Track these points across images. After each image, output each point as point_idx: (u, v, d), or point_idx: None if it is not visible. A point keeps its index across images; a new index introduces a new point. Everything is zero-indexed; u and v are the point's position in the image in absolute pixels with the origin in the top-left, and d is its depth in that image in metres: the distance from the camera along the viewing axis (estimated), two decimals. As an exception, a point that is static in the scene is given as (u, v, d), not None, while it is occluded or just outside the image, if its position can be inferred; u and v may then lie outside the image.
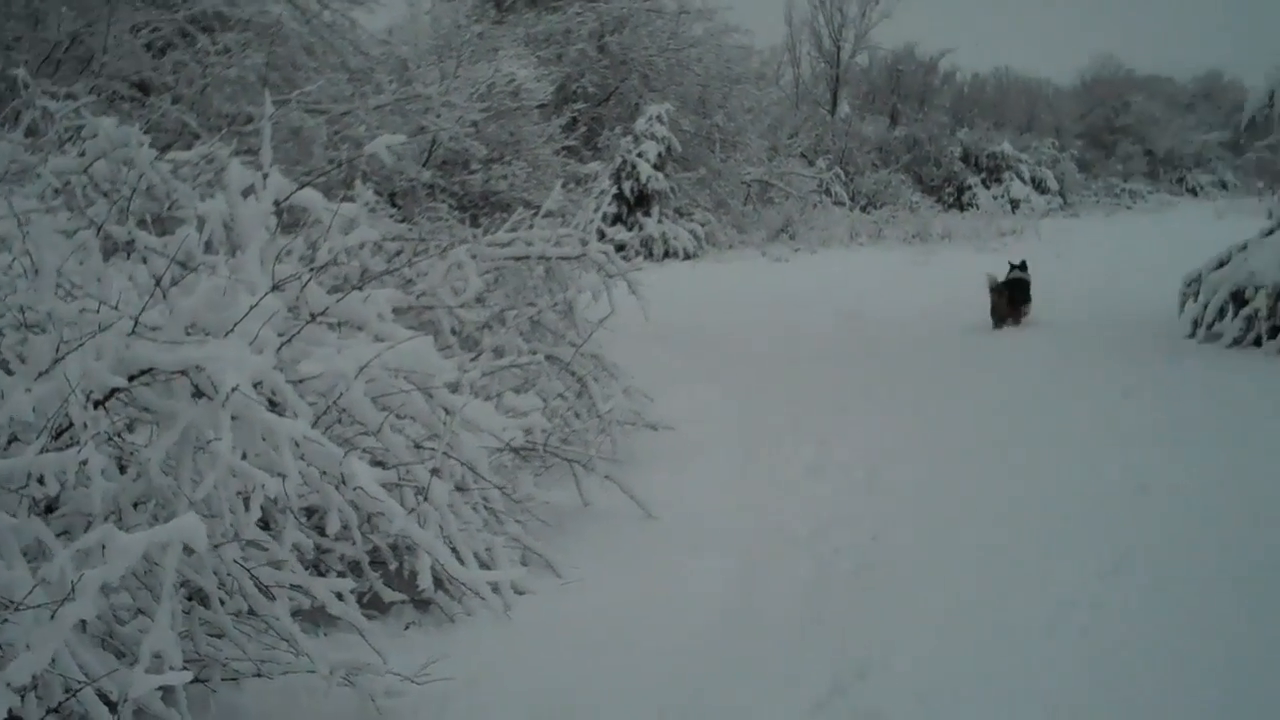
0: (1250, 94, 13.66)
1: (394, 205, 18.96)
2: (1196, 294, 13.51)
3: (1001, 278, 15.32)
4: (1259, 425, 9.00)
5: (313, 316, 4.65)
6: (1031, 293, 15.53)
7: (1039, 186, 53.25)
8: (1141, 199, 60.66)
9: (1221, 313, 12.94)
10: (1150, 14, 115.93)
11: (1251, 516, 6.70)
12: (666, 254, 27.99)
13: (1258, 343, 12.33)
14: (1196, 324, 13.32)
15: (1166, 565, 6.02)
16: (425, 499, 5.00)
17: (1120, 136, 68.73)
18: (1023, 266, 15.77)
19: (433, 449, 5.12)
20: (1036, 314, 15.48)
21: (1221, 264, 13.27)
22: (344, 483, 4.17)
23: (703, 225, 29.74)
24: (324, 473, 4.26)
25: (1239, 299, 12.65)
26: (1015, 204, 49.72)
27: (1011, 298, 15.32)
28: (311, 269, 4.87)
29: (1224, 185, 68.22)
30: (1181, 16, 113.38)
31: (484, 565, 5.52)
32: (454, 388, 5.79)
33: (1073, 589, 5.74)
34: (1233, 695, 4.55)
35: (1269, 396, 9.92)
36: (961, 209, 47.12)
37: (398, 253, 7.45)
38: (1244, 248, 13.06)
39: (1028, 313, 15.46)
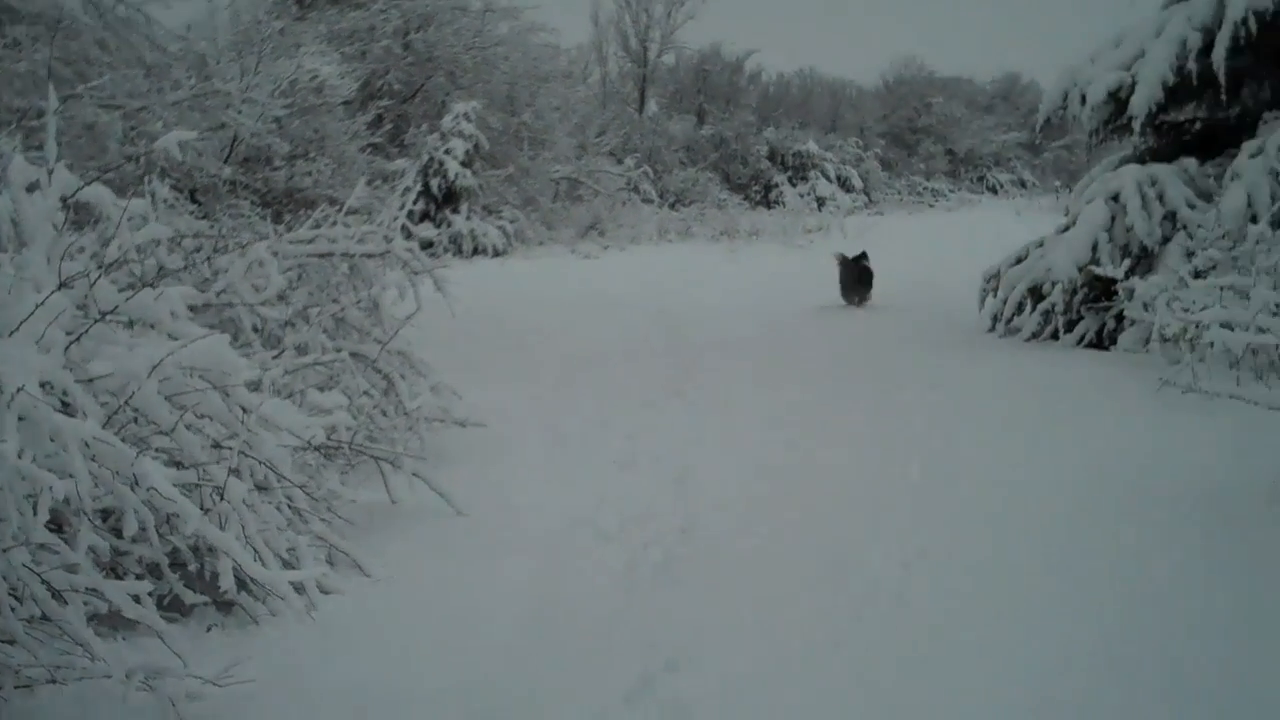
0: (1045, 95, 14.07)
1: (195, 202, 18.62)
2: (996, 290, 13.89)
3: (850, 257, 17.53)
4: (1057, 416, 9.27)
5: (102, 315, 4.54)
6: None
7: (844, 185, 54.27)
8: (943, 197, 62.23)
9: (1020, 308, 13.34)
10: (950, 17, 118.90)
11: (1051, 504, 6.92)
12: (476, 251, 27.83)
13: (1055, 336, 12.72)
14: (996, 319, 13.71)
15: (971, 551, 6.19)
16: (223, 499, 4.91)
17: (922, 136, 70.38)
18: (864, 256, 17.53)
19: (232, 448, 5.03)
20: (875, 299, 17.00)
21: (1020, 260, 13.66)
22: (138, 484, 4.08)
23: (512, 222, 29.65)
24: (116, 474, 4.16)
25: (1037, 294, 13.04)
26: (821, 202, 50.55)
27: (859, 278, 17.24)
28: (101, 266, 4.74)
29: (1023, 184, 70.37)
30: (980, 20, 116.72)
31: (288, 565, 5.44)
32: (255, 386, 5.69)
33: (879, 577, 5.86)
34: (1035, 674, 4.70)
35: (1067, 388, 10.22)
36: (769, 206, 47.75)
37: (196, 250, 7.29)
38: (1041, 244, 13.46)
39: (869, 296, 17.17)
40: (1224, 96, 12.24)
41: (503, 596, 5.72)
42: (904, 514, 6.89)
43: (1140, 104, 12.14)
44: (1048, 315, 12.81)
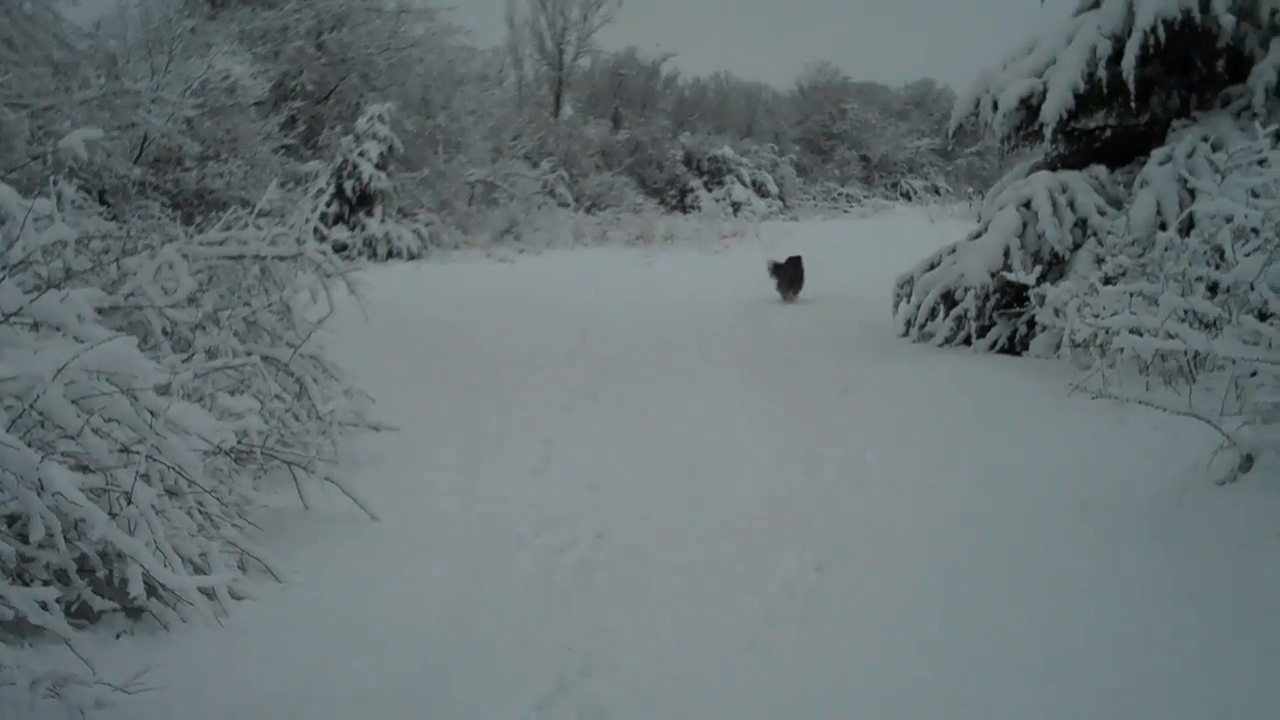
0: (957, 102, 14.15)
1: (103, 203, 18.35)
2: (909, 295, 13.98)
3: (782, 261, 19.67)
4: (969, 421, 9.34)
5: (6, 317, 4.45)
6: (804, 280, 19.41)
7: (760, 190, 54.54)
8: (858, 203, 62.62)
9: (934, 313, 13.41)
10: (864, 23, 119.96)
11: (962, 507, 6.98)
12: (390, 254, 27.65)
13: (968, 342, 12.81)
14: (910, 324, 13.78)
15: (883, 554, 6.22)
16: (131, 504, 4.83)
17: (837, 142, 70.84)
18: (798, 259, 19.51)
19: (140, 453, 4.95)
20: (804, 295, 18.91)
21: (932, 266, 13.75)
22: (44, 489, 4.00)
23: (427, 226, 29.50)
24: (21, 478, 4.08)
25: (950, 300, 13.12)
26: (737, 207, 50.77)
27: (793, 277, 19.23)
28: (5, 268, 4.65)
29: (936, 190, 70.92)
30: (895, 26, 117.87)
31: (199, 571, 5.36)
32: (164, 390, 5.61)
33: (794, 579, 5.89)
34: (944, 674, 4.73)
35: (979, 393, 10.29)
36: (685, 211, 47.95)
37: (104, 251, 7.17)
38: (953, 250, 13.54)
39: (800, 290, 19.14)
40: (1134, 104, 12.40)
41: (418, 602, 5.68)
42: (818, 516, 6.92)
43: (1051, 111, 12.26)
44: (961, 321, 12.91)
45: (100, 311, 6.08)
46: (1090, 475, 7.33)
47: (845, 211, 57.90)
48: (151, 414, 4.85)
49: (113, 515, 4.73)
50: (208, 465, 5.90)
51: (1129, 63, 11.59)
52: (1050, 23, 13.37)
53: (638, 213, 41.33)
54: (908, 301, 13.98)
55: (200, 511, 5.84)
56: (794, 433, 9.19)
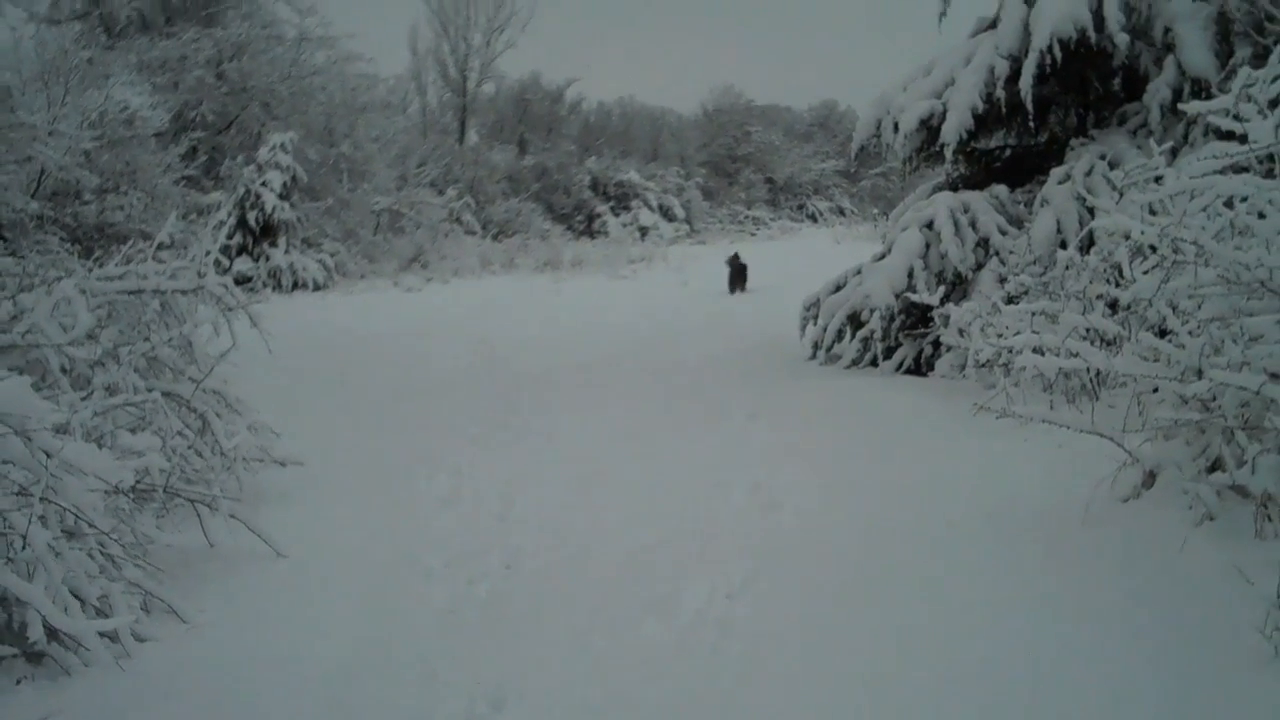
0: (858, 124, 14.23)
1: (1, 239, 18.00)
2: (815, 318, 14.06)
3: (733, 260, 25.88)
4: (876, 443, 9.36)
5: (-105, 358, 4.34)
6: (748, 274, 25.51)
7: (667, 214, 54.86)
8: (764, 226, 63.09)
9: (840, 335, 13.49)
10: (767, 45, 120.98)
11: (869, 530, 6.99)
12: (296, 285, 27.38)
13: (874, 363, 12.90)
14: (817, 346, 13.85)
15: (791, 579, 6.22)
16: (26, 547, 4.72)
17: (742, 164, 71.34)
18: (737, 257, 26.08)
19: (35, 495, 4.84)
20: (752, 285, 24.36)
21: (838, 288, 13.83)
22: (-65, 534, 3.89)
23: (332, 256, 29.28)
24: (-89, 524, 3.97)
25: (856, 322, 13.21)
26: (644, 231, 51.07)
27: (741, 273, 25.43)
28: (-106, 307, 4.54)
29: (842, 211, 71.67)
30: (797, 47, 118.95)
31: (101, 613, 5.25)
32: (63, 428, 5.50)
33: (704, 607, 5.88)
34: (851, 700, 4.73)
35: (886, 415, 10.33)
36: (592, 237, 48.12)
37: (0, 287, 7.03)
38: (859, 272, 13.63)
39: (746, 287, 25.12)
40: (1032, 123, 12.56)
41: (325, 638, 5.60)
42: (728, 542, 6.91)
43: (951, 132, 12.37)
44: (867, 342, 13.00)
45: (-6, 350, 5.96)
46: (997, 493, 7.38)
47: (752, 234, 58.32)
48: (47, 454, 4.75)
49: (9, 559, 4.62)
50: (108, 505, 5.79)
51: (1026, 82, 11.73)
52: (948, 44, 13.52)
53: (545, 239, 41.37)
54: (814, 324, 14.05)
55: (101, 552, 5.72)
56: (703, 457, 9.19)
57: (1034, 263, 11.02)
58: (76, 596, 5.10)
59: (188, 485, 7.09)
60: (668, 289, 26.98)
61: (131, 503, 6.48)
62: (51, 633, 4.87)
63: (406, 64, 56.10)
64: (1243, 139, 5.98)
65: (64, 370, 6.92)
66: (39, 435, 4.72)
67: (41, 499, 4.87)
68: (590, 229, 50.98)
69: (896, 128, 13.11)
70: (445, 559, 6.81)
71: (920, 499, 7.51)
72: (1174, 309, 6.69)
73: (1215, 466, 6.15)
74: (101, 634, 4.91)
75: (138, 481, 6.37)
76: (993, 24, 12.92)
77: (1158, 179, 7.41)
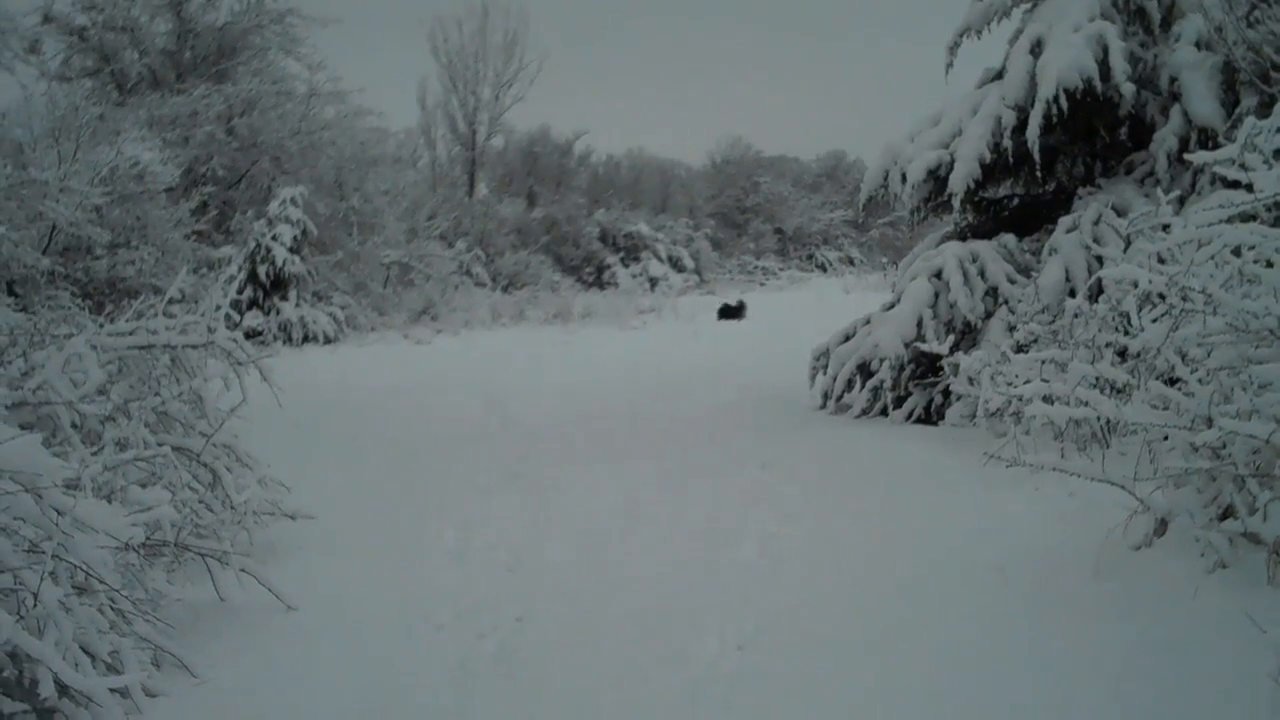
0: (866, 174, 14.27)
1: (12, 294, 18.11)
2: (825, 367, 14.06)
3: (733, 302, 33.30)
4: (887, 493, 9.36)
5: (-93, 415, 4.35)
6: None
7: (676, 265, 55.01)
8: (774, 276, 63.24)
9: (850, 385, 13.49)
10: (775, 96, 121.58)
11: (882, 583, 6.97)
12: (306, 339, 27.41)
13: (885, 412, 12.90)
14: (827, 396, 13.84)
15: (802, 632, 6.20)
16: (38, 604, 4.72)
17: (751, 215, 71.61)
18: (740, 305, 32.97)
19: (46, 552, 4.84)
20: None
21: (848, 337, 13.84)
22: (-54, 592, 3.90)
23: (343, 309, 29.33)
24: (-78, 581, 3.98)
25: (865, 371, 13.21)
26: (654, 282, 51.20)
27: (737, 312, 31.96)
28: (-94, 365, 4.56)
29: (851, 261, 71.85)
30: (805, 98, 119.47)
31: (111, 669, 5.24)
32: (74, 484, 5.51)
33: (715, 659, 5.85)
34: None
35: (897, 465, 10.33)
36: (601, 288, 48.26)
37: (11, 344, 7.06)
38: (868, 322, 13.64)
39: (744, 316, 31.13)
40: (1040, 173, 12.60)
41: (333, 693, 5.58)
42: (739, 595, 6.88)
43: (959, 181, 12.41)
44: (877, 392, 13.00)
45: (7, 407, 5.97)
46: (1009, 543, 7.37)
47: (761, 285, 58.48)
48: (58, 512, 4.76)
49: (20, 617, 4.62)
50: (119, 561, 5.78)
51: (1033, 132, 11.78)
52: (955, 94, 13.59)
53: (555, 290, 41.48)
54: (824, 373, 14.05)
55: (112, 608, 5.72)
56: (714, 509, 9.17)
57: (1043, 311, 11.04)
58: (87, 652, 5.10)
59: (198, 540, 7.09)
60: (678, 340, 26.97)
61: (142, 558, 6.48)
62: (63, 689, 4.86)
63: (416, 118, 56.48)
64: (1249, 187, 6.00)
65: (74, 426, 6.94)
66: (50, 493, 4.72)
67: (53, 556, 4.87)
68: (600, 280, 51.14)
69: (904, 178, 13.16)
70: (455, 612, 6.78)
71: (932, 550, 7.49)
72: (1183, 357, 6.70)
73: (1227, 514, 6.14)
74: (112, 690, 4.90)
75: (148, 537, 6.38)
76: (999, 74, 12.99)
77: (1165, 228, 7.44)
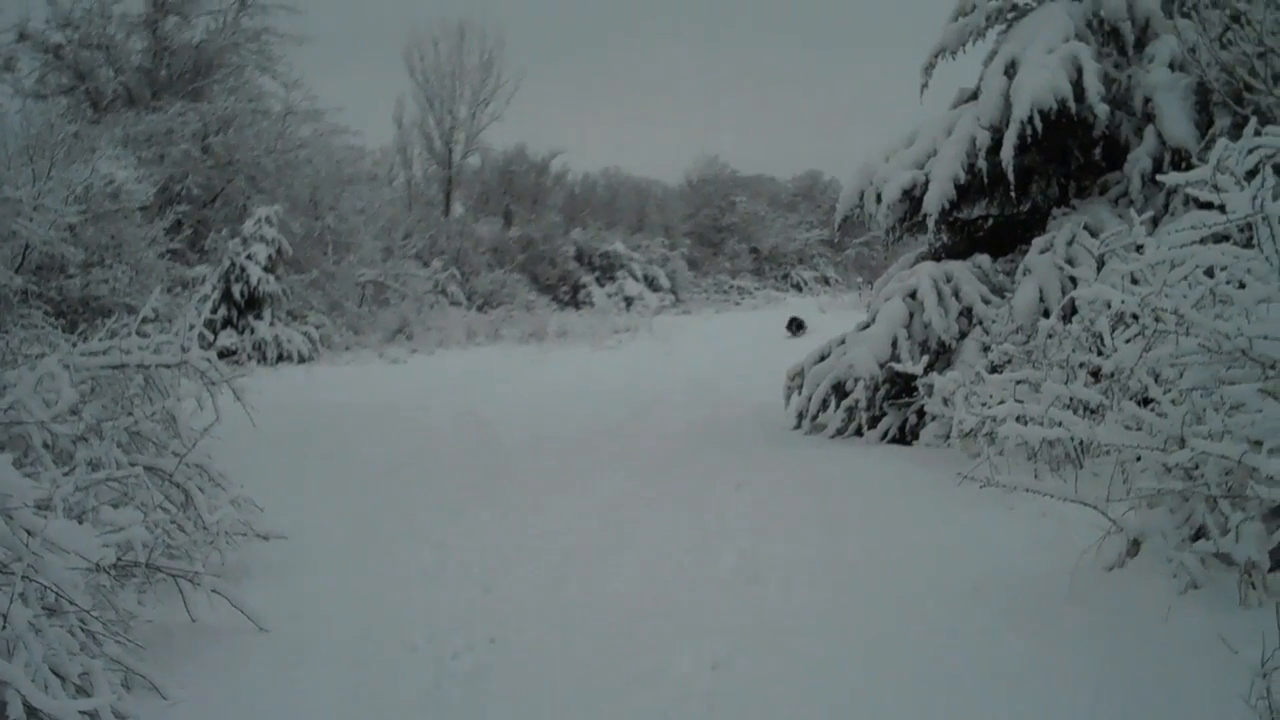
0: (841, 194, 14.30)
1: (-16, 313, 18.00)
2: (800, 387, 14.07)
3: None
4: (861, 512, 9.38)
5: (-124, 435, 4.32)
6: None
7: (652, 284, 55.06)
8: (749, 295, 63.32)
9: (825, 404, 13.51)
10: (752, 118, 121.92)
11: (855, 601, 6.98)
12: (280, 358, 27.30)
13: (859, 432, 12.92)
14: (802, 415, 13.85)
15: (777, 650, 6.19)
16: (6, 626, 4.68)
17: (727, 234, 71.73)
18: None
19: (15, 573, 4.80)
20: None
21: (823, 357, 13.87)
22: (-86, 614, 3.86)
23: (317, 328, 29.24)
24: (-110, 604, 3.94)
25: (840, 391, 13.23)
26: (630, 301, 51.24)
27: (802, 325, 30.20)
28: (-125, 384, 4.52)
29: (826, 280, 72.01)
30: (782, 121, 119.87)
31: (81, 691, 5.20)
32: (45, 504, 5.47)
33: (689, 678, 5.84)
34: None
35: (871, 484, 10.34)
36: (577, 307, 48.26)
37: (-17, 364, 7.02)
38: (843, 342, 13.66)
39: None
40: (1014, 193, 12.67)
41: (305, 714, 5.56)
42: (714, 612, 6.88)
43: (934, 202, 12.45)
44: (851, 412, 13.02)
45: (-24, 426, 5.94)
46: (982, 563, 7.39)
47: (737, 304, 58.59)
48: (28, 533, 4.73)
49: (-12, 638, 4.58)
50: (89, 582, 5.74)
51: (1008, 153, 11.83)
52: (930, 114, 13.64)
53: (530, 310, 41.47)
54: (799, 393, 14.06)
55: (82, 629, 5.68)
56: (689, 528, 9.16)
57: (1017, 331, 11.08)
58: (57, 674, 5.06)
59: (170, 560, 7.03)
60: (653, 359, 27.01)
61: (113, 579, 6.44)
62: (32, 712, 4.82)
63: (392, 137, 56.43)
64: (1222, 208, 6.03)
65: (46, 446, 6.89)
66: (20, 513, 4.69)
67: (23, 577, 4.84)
68: (575, 299, 51.13)
69: (879, 198, 13.21)
70: (429, 633, 6.76)
71: (906, 570, 7.50)
72: (1156, 378, 6.73)
73: (1199, 535, 6.16)
74: (82, 713, 4.86)
75: (120, 558, 6.33)
76: (974, 95, 13.05)
77: (1139, 248, 7.48)
